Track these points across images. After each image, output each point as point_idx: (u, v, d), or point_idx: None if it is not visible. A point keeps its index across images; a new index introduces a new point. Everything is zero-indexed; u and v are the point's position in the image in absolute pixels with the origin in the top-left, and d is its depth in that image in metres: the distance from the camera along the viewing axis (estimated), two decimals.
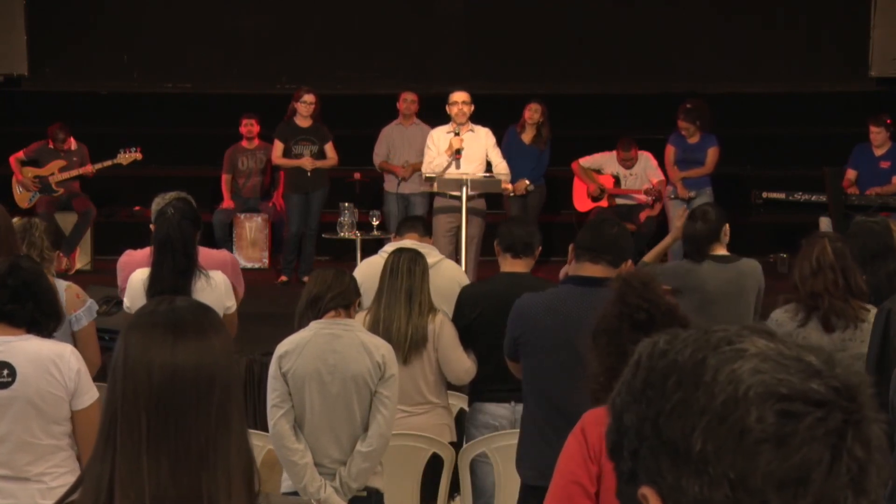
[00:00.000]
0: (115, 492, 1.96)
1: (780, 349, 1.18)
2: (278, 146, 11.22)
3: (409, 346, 5.64)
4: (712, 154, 11.38)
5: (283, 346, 5.02)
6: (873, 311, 5.23)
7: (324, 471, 5.00)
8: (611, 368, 3.36)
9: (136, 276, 5.64)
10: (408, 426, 5.66)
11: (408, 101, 11.38)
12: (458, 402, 6.38)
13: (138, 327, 2.05)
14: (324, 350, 4.94)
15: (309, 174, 11.09)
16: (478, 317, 5.83)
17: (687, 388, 1.18)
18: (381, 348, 5.01)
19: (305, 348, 4.95)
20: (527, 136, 11.34)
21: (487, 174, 9.54)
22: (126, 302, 5.73)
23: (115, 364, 2.03)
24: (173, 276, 5.50)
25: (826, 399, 1.15)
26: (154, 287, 5.51)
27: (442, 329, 5.71)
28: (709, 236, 6.25)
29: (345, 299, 5.04)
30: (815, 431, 1.13)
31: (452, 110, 9.54)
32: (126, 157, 11.50)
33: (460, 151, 9.34)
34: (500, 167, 9.55)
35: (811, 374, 1.17)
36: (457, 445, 5.82)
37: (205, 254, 5.90)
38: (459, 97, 9.57)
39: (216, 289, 5.54)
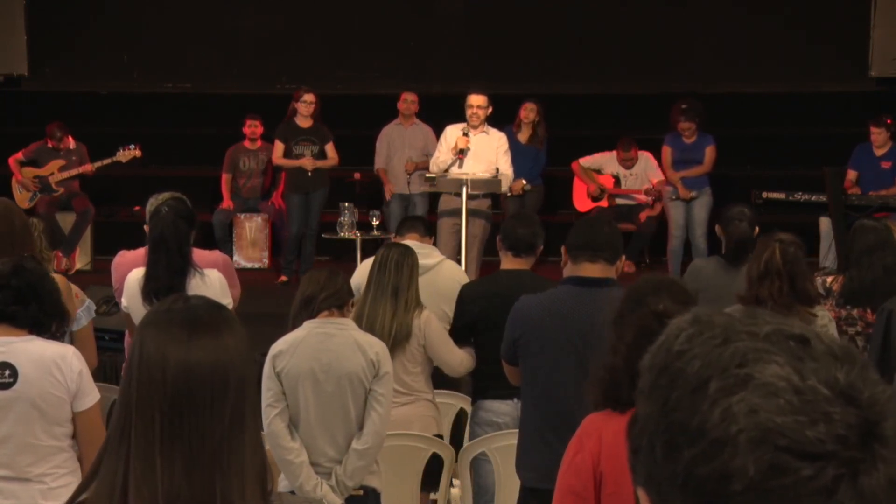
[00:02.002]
0: (129, 490, 1.96)
1: (792, 379, 1.08)
2: (279, 146, 11.22)
3: (393, 342, 5.63)
4: (710, 153, 11.39)
5: (276, 346, 5.02)
6: (822, 314, 5.23)
7: (320, 469, 5.00)
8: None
9: (132, 276, 5.64)
10: (393, 417, 5.67)
11: (408, 101, 11.39)
12: (460, 402, 6.39)
13: (153, 325, 2.05)
14: (318, 349, 4.95)
15: (309, 174, 11.09)
16: (479, 315, 5.83)
17: (684, 410, 1.11)
18: (375, 346, 5.01)
19: (299, 347, 4.95)
20: (523, 136, 11.35)
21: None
22: (123, 302, 5.73)
23: (130, 362, 2.03)
24: (168, 274, 5.50)
25: (823, 451, 1.06)
26: (149, 286, 5.50)
27: (428, 325, 5.72)
28: (752, 239, 6.26)
29: (338, 299, 5.04)
30: (801, 489, 1.06)
31: (467, 113, 9.51)
32: (125, 155, 11.51)
33: (464, 152, 9.32)
34: (505, 173, 9.49)
35: (817, 416, 1.07)
36: (455, 443, 5.83)
37: (197, 255, 5.89)
38: (475, 101, 9.49)
39: (211, 286, 5.53)
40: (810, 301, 5.18)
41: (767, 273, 5.11)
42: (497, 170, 9.42)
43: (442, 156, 9.47)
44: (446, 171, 9.38)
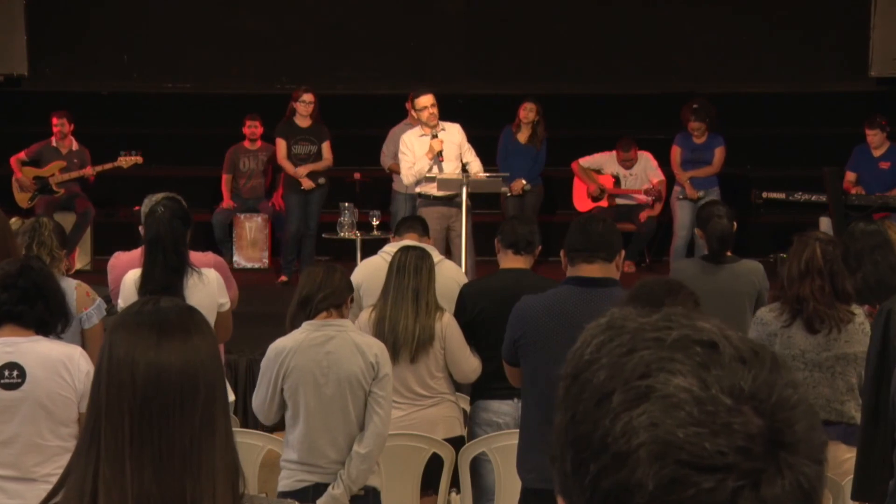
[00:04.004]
0: (99, 494, 1.95)
1: (694, 391, 1.07)
2: (282, 145, 11.21)
3: (417, 345, 5.65)
4: (720, 153, 11.41)
5: (275, 348, 5.00)
6: (860, 312, 5.27)
7: (320, 471, 5.00)
8: None
9: (129, 277, 5.61)
10: (418, 419, 5.68)
11: None
12: (460, 402, 6.38)
13: (123, 327, 2.04)
14: (317, 351, 4.94)
15: (308, 176, 11.11)
16: (479, 313, 5.84)
17: (589, 423, 1.11)
18: (374, 348, 5.00)
19: (299, 350, 4.95)
20: (522, 136, 11.35)
21: (489, 174, 9.48)
22: (120, 303, 5.70)
23: (100, 364, 2.02)
24: (165, 274, 5.46)
25: (723, 464, 1.06)
26: (146, 286, 5.47)
27: (449, 329, 5.72)
28: (733, 234, 6.30)
29: (336, 299, 5.02)
30: (701, 501, 1.06)
31: (423, 115, 9.32)
32: (126, 161, 11.49)
33: (441, 154, 9.25)
34: (474, 166, 9.31)
35: (718, 427, 1.06)
36: (466, 440, 5.83)
37: (191, 256, 5.86)
38: (427, 101, 9.32)
39: (209, 285, 5.50)
40: (849, 299, 5.24)
41: (808, 272, 5.15)
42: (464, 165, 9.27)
43: (418, 163, 9.29)
44: (423, 174, 9.28)
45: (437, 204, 9.24)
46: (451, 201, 9.22)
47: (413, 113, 11.20)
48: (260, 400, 5.06)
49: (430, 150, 9.21)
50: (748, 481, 1.06)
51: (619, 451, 1.08)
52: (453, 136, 9.36)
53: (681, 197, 11.35)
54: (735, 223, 6.56)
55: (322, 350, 4.94)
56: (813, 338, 5.19)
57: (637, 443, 1.07)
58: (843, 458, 5.11)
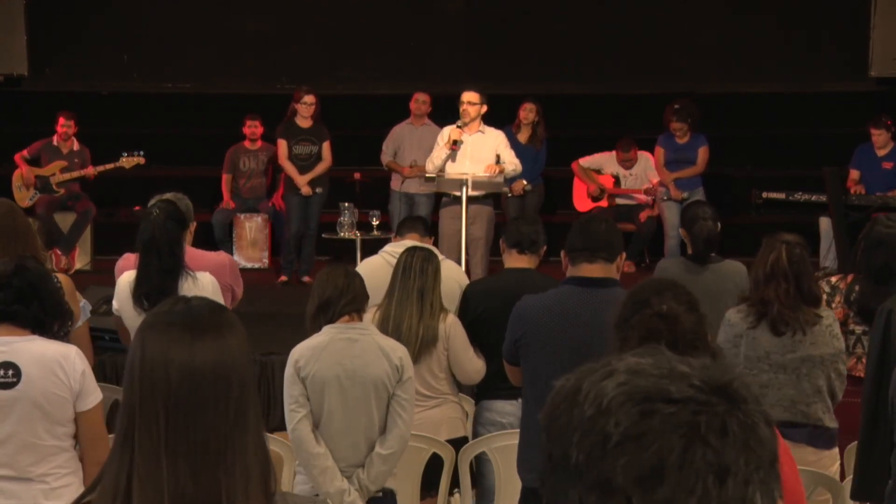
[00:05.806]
0: (134, 490, 1.97)
1: (650, 363, 1.25)
2: (283, 146, 11.21)
3: (420, 345, 5.64)
4: (703, 153, 11.40)
5: (298, 352, 4.97)
6: (827, 314, 5.26)
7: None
8: None
9: (123, 280, 5.59)
10: (421, 420, 5.67)
11: (419, 101, 11.39)
12: (462, 402, 6.38)
13: (155, 327, 2.06)
14: (342, 355, 4.93)
15: (308, 183, 11.13)
16: (483, 313, 5.85)
17: (568, 411, 1.26)
18: (398, 351, 5.00)
19: (323, 354, 4.93)
20: (522, 136, 11.36)
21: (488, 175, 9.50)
22: (115, 304, 5.69)
23: (132, 363, 2.04)
24: (160, 276, 5.43)
25: (681, 397, 1.21)
26: (140, 288, 5.45)
27: (453, 330, 5.72)
28: (718, 235, 6.30)
29: (358, 304, 5.02)
30: (666, 425, 1.20)
31: (460, 110, 9.48)
32: (128, 161, 11.49)
33: (458, 143, 9.27)
34: (509, 164, 9.43)
35: (674, 378, 1.23)
36: (469, 440, 5.83)
37: (202, 255, 5.85)
38: (466, 97, 9.46)
39: (203, 290, 5.46)
40: (816, 302, 5.21)
41: (774, 275, 5.14)
42: (499, 160, 9.34)
43: (436, 152, 9.41)
44: (441, 167, 9.33)
45: (458, 204, 9.26)
46: (474, 202, 9.26)
47: (412, 107, 11.29)
48: (288, 406, 4.96)
49: (448, 139, 9.25)
50: (708, 410, 1.21)
51: (595, 411, 1.23)
52: (487, 140, 9.41)
53: (665, 198, 11.36)
54: (719, 224, 6.57)
55: (347, 354, 4.93)
56: (778, 340, 5.18)
57: (608, 399, 1.23)
58: (809, 461, 5.10)
